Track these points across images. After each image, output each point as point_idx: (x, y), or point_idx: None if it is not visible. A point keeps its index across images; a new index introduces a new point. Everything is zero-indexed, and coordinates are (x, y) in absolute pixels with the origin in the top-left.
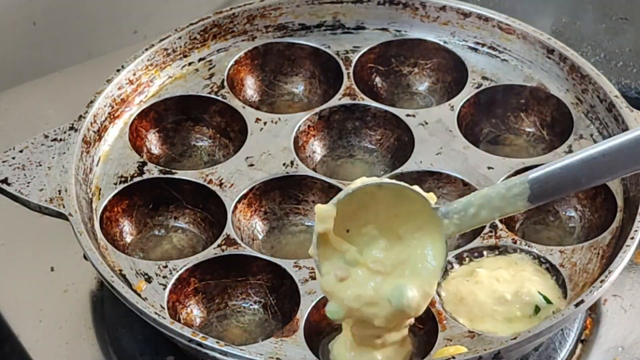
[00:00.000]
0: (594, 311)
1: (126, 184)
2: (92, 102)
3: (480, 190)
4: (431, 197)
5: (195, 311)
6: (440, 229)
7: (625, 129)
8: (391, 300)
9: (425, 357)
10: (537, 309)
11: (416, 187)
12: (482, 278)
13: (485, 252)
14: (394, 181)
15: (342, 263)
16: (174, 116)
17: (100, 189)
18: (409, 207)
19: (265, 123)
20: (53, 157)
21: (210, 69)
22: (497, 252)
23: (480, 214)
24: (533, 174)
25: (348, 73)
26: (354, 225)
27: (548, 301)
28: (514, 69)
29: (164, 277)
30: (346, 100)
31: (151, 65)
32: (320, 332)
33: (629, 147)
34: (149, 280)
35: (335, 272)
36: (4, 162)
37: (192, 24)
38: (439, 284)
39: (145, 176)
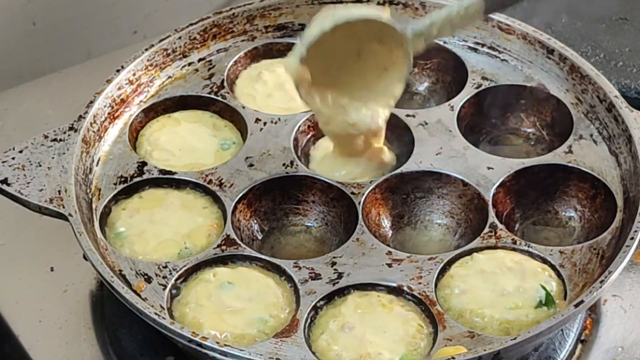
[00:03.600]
0: (594, 311)
1: (126, 184)
2: (92, 102)
3: (440, 11)
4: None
5: None
6: (407, 45)
7: (625, 129)
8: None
9: (425, 357)
10: (539, 304)
11: (379, 14)
12: (485, 267)
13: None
14: (350, 14)
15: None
16: None
17: (100, 190)
18: (376, 32)
19: (265, 123)
20: (53, 158)
21: (210, 69)
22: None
23: (442, 32)
24: None
25: None
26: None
27: (550, 297)
28: (514, 69)
29: (163, 277)
30: None
31: (151, 65)
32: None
33: None
34: (148, 280)
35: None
36: (3, 162)
37: (192, 24)
38: (438, 279)
39: (145, 176)
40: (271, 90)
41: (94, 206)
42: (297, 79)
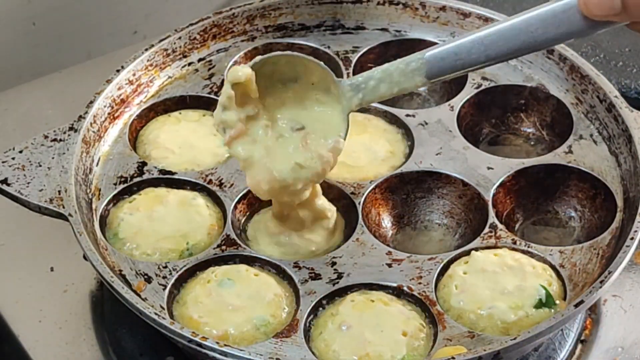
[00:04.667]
0: (594, 311)
1: (126, 184)
2: (91, 102)
3: (382, 65)
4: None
5: None
6: (343, 102)
7: (625, 129)
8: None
9: (425, 357)
10: (539, 304)
11: (317, 60)
12: (485, 267)
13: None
14: (295, 53)
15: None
16: None
17: (100, 190)
18: (312, 78)
19: None
20: (53, 158)
21: (210, 69)
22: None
23: (380, 87)
24: (430, 52)
25: (348, 73)
26: (263, 94)
27: (551, 297)
28: (514, 69)
29: (163, 277)
30: None
31: (151, 65)
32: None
33: (519, 28)
34: (148, 280)
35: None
36: (3, 162)
37: (191, 24)
38: (438, 279)
39: (145, 176)
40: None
41: (94, 206)
42: (243, 80)
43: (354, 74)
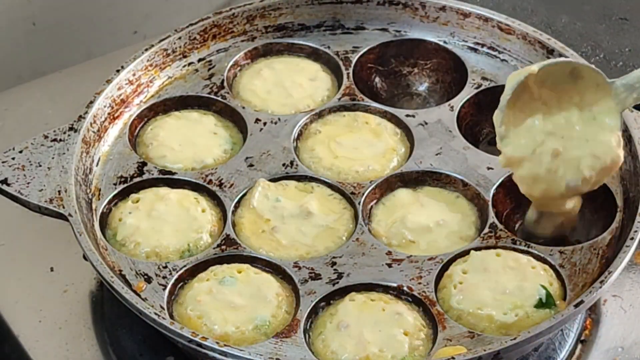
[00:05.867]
0: (594, 311)
1: (126, 184)
2: (91, 102)
3: None
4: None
5: None
6: (616, 101)
7: (625, 129)
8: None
9: (425, 357)
10: (539, 304)
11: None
12: (485, 267)
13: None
14: (564, 60)
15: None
16: None
17: (100, 190)
18: (583, 83)
19: (265, 123)
20: (53, 158)
21: (210, 69)
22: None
23: None
24: None
25: (348, 73)
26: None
27: (551, 297)
28: (514, 69)
29: (163, 277)
30: (346, 100)
31: (151, 65)
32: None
33: None
34: (148, 280)
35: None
36: (3, 162)
37: (191, 24)
38: (438, 279)
39: (145, 176)
40: (270, 87)
41: (94, 206)
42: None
43: (354, 74)
